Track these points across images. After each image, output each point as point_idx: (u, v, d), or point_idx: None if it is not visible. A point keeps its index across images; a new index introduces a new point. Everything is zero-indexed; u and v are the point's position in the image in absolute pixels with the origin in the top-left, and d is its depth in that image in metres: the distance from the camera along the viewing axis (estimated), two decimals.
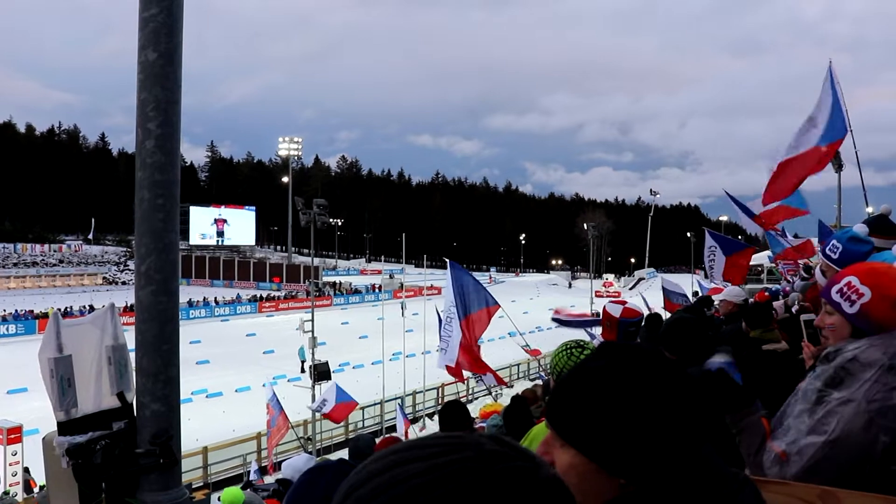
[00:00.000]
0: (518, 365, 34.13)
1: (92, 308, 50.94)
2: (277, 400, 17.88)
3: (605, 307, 6.11)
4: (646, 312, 6.07)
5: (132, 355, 2.42)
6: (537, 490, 0.69)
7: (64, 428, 2.24)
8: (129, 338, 2.41)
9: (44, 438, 2.31)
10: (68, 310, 48.86)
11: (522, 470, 0.70)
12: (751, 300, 7.51)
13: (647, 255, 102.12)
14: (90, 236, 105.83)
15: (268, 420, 17.99)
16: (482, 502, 0.65)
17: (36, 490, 17.99)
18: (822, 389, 1.89)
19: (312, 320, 27.82)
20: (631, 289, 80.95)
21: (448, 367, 12.21)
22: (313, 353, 27.24)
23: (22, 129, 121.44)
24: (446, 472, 0.67)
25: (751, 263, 10.42)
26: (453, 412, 4.92)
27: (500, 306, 11.90)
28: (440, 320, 13.56)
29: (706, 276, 10.29)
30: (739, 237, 11.24)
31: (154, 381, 2.38)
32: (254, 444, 21.75)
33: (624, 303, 5.45)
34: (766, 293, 10.86)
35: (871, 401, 1.78)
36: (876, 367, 1.83)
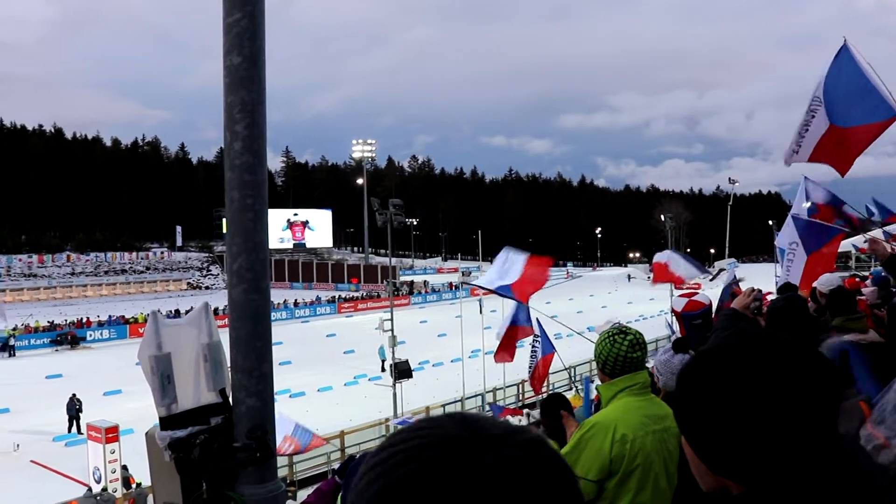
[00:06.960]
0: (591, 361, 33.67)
1: (178, 312, 52.70)
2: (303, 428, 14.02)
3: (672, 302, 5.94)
4: (709, 302, 5.77)
5: (226, 353, 2.49)
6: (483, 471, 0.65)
7: (165, 423, 2.31)
8: (222, 337, 2.48)
9: (147, 433, 2.39)
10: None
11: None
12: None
13: (727, 245, 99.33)
14: (178, 244, 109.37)
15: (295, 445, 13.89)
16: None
17: (133, 486, 18.73)
18: None
19: (392, 319, 28.16)
20: (712, 280, 78.23)
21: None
22: (393, 352, 27.59)
23: (108, 143, 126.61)
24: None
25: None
26: (556, 403, 4.85)
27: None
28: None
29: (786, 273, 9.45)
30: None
31: (249, 377, 2.43)
32: (337, 442, 22.12)
33: (690, 295, 5.31)
34: (857, 278, 10.40)
35: None
36: None
